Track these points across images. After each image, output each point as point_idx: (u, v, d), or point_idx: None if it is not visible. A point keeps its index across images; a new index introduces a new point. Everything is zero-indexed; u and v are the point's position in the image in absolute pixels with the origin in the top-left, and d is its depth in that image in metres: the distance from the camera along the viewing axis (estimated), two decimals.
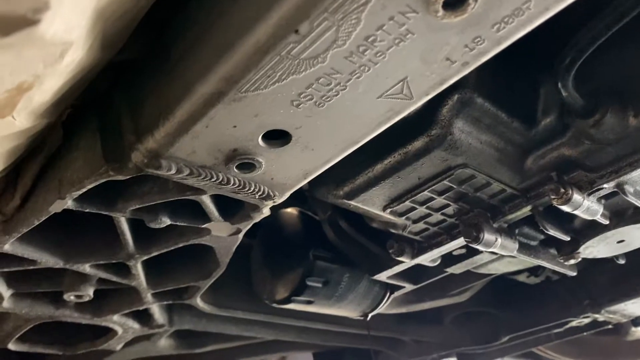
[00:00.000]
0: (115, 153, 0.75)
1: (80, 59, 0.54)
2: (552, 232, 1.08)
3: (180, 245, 1.02)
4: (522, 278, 1.62)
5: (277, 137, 0.72)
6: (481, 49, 0.61)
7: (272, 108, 0.65)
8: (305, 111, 0.67)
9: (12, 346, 1.30)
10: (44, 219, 0.86)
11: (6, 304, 1.13)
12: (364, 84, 0.64)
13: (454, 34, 0.58)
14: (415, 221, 1.09)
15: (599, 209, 1.00)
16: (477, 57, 0.62)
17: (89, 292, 1.14)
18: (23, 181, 0.86)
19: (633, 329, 1.79)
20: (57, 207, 0.83)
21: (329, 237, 1.28)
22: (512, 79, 0.92)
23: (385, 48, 0.59)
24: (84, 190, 0.80)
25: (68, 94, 0.63)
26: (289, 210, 1.39)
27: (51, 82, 0.54)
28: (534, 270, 1.59)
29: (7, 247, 0.94)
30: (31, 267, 1.02)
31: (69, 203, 0.84)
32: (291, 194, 0.88)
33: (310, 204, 1.30)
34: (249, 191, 0.81)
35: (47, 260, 1.01)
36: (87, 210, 0.88)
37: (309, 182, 0.98)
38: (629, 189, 0.96)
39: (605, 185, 0.95)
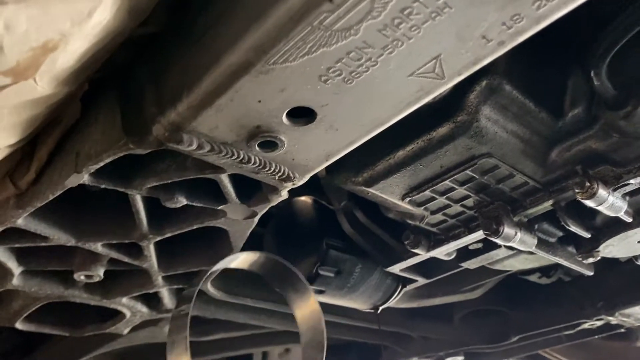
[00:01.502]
0: (135, 126, 0.73)
1: (107, 22, 0.53)
2: (573, 228, 1.06)
3: (195, 227, 1.01)
4: (533, 278, 1.60)
5: (302, 115, 0.70)
6: (519, 28, 0.59)
7: (299, 83, 0.63)
8: (332, 87, 0.65)
9: (19, 325, 1.29)
10: (59, 193, 0.85)
11: (16, 281, 1.12)
12: (396, 60, 0.62)
13: (494, 9, 0.56)
14: (433, 212, 1.07)
15: (624, 205, 0.97)
16: (514, 36, 0.60)
17: (99, 273, 1.13)
18: (39, 154, 0.84)
19: None
20: (73, 181, 0.82)
21: (343, 226, 1.26)
22: (541, 68, 0.90)
23: (421, 22, 0.57)
24: (102, 164, 0.79)
25: (91, 60, 0.62)
26: (303, 198, 1.37)
27: (77, 44, 0.52)
28: (546, 271, 1.57)
29: (20, 222, 0.92)
30: (43, 244, 1.01)
31: (86, 177, 0.82)
32: (306, 182, 0.86)
33: (325, 193, 1.28)
34: (269, 171, 0.79)
35: (59, 237, 0.99)
36: (103, 186, 0.86)
37: (326, 169, 0.97)
38: None
39: (632, 181, 0.93)
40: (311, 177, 0.86)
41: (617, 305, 1.53)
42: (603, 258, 1.22)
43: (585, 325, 1.68)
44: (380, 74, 0.63)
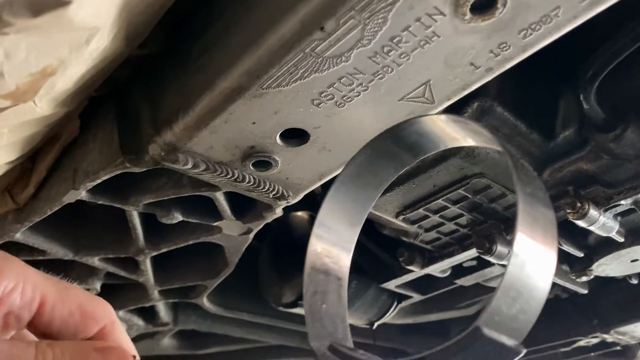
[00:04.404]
0: (132, 145, 0.74)
1: (105, 47, 0.55)
2: (566, 248, 1.07)
3: (191, 242, 1.02)
4: None
5: (295, 136, 0.71)
6: (506, 55, 0.61)
7: (292, 106, 0.65)
8: (325, 110, 0.66)
9: None
10: (56, 209, 0.86)
11: None
12: (386, 85, 0.63)
13: (480, 38, 0.58)
14: (427, 230, 1.08)
15: (615, 225, 0.99)
16: (501, 63, 0.62)
17: (96, 286, 1.14)
18: (38, 170, 0.86)
19: None
20: (70, 197, 0.83)
21: None
22: (533, 89, 0.92)
23: (410, 50, 0.59)
24: (99, 181, 0.80)
25: (89, 82, 0.63)
26: (300, 213, 1.38)
27: (75, 69, 0.54)
28: None
29: (18, 236, 0.94)
30: (41, 258, 1.02)
31: (83, 194, 0.84)
32: (302, 198, 0.88)
33: None
34: (264, 190, 0.81)
35: (57, 251, 1.01)
36: (100, 202, 0.88)
37: (321, 186, 0.98)
38: None
39: (622, 202, 0.94)
40: (308, 193, 0.88)
41: (612, 323, 1.53)
42: (599, 276, 1.22)
43: (581, 343, 1.67)
44: (372, 99, 0.65)
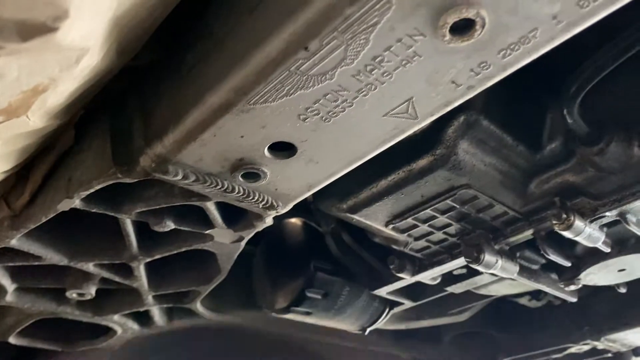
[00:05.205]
0: (124, 156, 0.76)
1: (95, 65, 0.56)
2: (553, 257, 1.08)
3: (183, 249, 1.04)
4: (523, 301, 1.62)
5: (283, 149, 0.73)
6: (487, 74, 0.63)
7: (279, 121, 0.67)
8: (311, 125, 0.68)
9: (12, 340, 1.32)
10: (51, 216, 0.88)
11: (9, 297, 1.15)
12: (370, 102, 0.65)
13: (460, 58, 0.60)
14: (417, 238, 1.09)
15: (601, 236, 1.00)
16: (482, 81, 0.64)
17: (91, 291, 1.15)
18: (33, 178, 0.88)
19: (634, 359, 1.78)
20: (65, 205, 0.85)
21: (331, 249, 1.28)
22: (519, 103, 0.93)
23: (392, 68, 0.60)
24: (92, 190, 0.82)
25: (82, 97, 0.65)
26: (293, 220, 1.39)
27: (66, 85, 0.56)
28: (536, 294, 1.59)
29: (14, 242, 0.95)
30: (36, 263, 1.03)
31: (77, 202, 0.85)
32: (296, 205, 0.89)
33: (314, 216, 1.31)
34: (253, 200, 0.82)
35: (52, 257, 1.02)
36: (93, 211, 0.89)
37: (313, 194, 1.00)
38: (631, 218, 0.96)
39: (607, 214, 0.95)
40: (301, 200, 0.89)
41: (603, 331, 1.54)
42: (587, 284, 1.24)
43: (573, 350, 1.69)
44: (356, 114, 0.67)
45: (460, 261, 1.13)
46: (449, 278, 1.26)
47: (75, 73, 0.53)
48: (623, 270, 1.16)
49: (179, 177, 0.75)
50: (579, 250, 1.14)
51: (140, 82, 0.80)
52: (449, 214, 1.01)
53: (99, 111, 0.85)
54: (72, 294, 1.16)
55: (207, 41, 0.68)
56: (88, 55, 0.51)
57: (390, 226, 1.04)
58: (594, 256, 1.12)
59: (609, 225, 1.03)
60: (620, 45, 0.75)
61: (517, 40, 0.59)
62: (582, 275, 1.17)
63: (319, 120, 0.67)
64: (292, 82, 0.61)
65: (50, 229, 0.98)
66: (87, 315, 1.28)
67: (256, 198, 0.82)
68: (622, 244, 1.08)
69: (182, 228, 0.96)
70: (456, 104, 0.67)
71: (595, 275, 1.18)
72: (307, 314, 1.32)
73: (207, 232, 0.98)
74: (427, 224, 1.04)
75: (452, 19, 0.54)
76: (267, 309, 1.35)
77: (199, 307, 1.32)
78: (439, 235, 1.08)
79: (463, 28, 0.56)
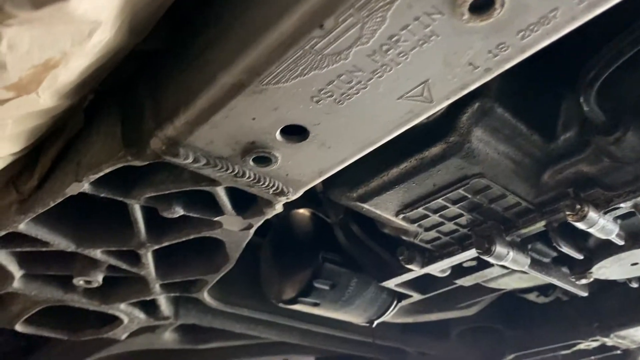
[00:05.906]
0: (134, 139, 0.75)
1: (108, 41, 0.55)
2: (565, 250, 1.07)
3: (192, 236, 1.03)
4: (531, 297, 1.60)
5: (295, 133, 0.72)
6: (505, 56, 0.61)
7: (292, 102, 0.66)
8: (324, 108, 0.67)
9: (19, 327, 1.32)
10: (60, 200, 0.87)
11: (17, 284, 1.15)
12: (385, 83, 0.64)
13: (479, 38, 0.58)
14: (427, 229, 1.08)
15: (615, 228, 0.99)
16: (500, 63, 0.62)
17: (98, 278, 1.15)
18: (42, 162, 0.87)
19: None
20: (73, 189, 0.84)
21: (340, 240, 1.27)
22: (534, 91, 0.92)
23: (409, 49, 0.59)
24: (101, 174, 0.81)
25: (93, 76, 0.64)
26: (301, 210, 1.39)
27: (77, 62, 0.55)
28: (544, 290, 1.58)
29: (22, 227, 0.95)
30: (43, 249, 1.03)
31: (86, 186, 0.85)
32: (304, 195, 0.88)
33: (323, 206, 1.30)
34: (264, 186, 0.82)
35: (59, 242, 1.02)
36: (102, 195, 0.89)
37: (322, 183, 0.99)
38: None
39: (622, 205, 0.94)
40: (310, 190, 0.88)
41: (613, 327, 1.53)
42: (599, 279, 1.22)
43: (581, 346, 1.68)
44: (371, 96, 0.66)
45: (471, 253, 1.11)
46: (459, 270, 1.25)
47: (87, 48, 0.52)
48: (636, 264, 1.15)
49: (190, 160, 0.74)
50: (592, 242, 1.13)
51: (151, 66, 0.79)
52: (461, 204, 0.99)
53: (108, 96, 0.84)
54: (79, 282, 1.15)
55: (219, 22, 0.67)
56: (100, 29, 0.50)
57: (401, 216, 1.03)
58: (606, 249, 1.10)
59: (623, 217, 1.01)
60: (639, 30, 0.74)
61: (537, 21, 0.57)
62: (594, 269, 1.15)
63: (333, 102, 0.66)
64: (306, 61, 0.60)
65: (58, 214, 0.98)
66: (93, 304, 1.27)
67: (267, 183, 0.81)
68: (636, 236, 1.06)
69: (191, 214, 0.96)
70: (472, 87, 0.65)
71: (608, 269, 1.17)
72: (315, 305, 1.31)
73: (216, 219, 0.97)
74: (438, 214, 1.03)
75: None
76: (274, 300, 1.35)
77: (205, 296, 1.31)
78: (449, 226, 1.07)
79: (482, 7, 0.55)
